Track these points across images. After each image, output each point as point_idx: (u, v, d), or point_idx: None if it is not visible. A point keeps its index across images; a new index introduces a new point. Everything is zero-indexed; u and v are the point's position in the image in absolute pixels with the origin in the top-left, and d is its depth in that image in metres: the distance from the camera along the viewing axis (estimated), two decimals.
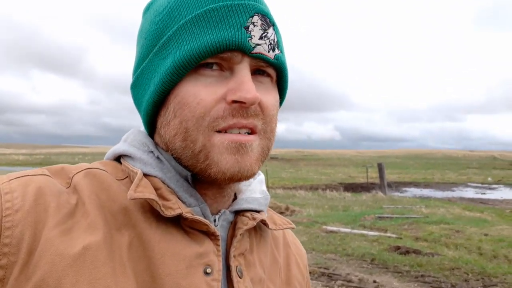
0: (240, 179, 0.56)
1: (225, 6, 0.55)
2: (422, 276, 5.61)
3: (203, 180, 0.59)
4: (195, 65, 0.54)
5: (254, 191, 0.68)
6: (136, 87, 0.63)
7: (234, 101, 0.54)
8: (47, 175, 0.56)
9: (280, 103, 0.65)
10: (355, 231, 8.52)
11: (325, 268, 5.89)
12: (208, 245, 0.57)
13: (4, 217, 0.49)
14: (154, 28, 0.59)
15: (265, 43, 0.56)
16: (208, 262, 0.56)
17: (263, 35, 0.56)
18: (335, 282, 5.30)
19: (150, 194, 0.54)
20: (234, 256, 0.60)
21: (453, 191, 25.10)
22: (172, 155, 0.59)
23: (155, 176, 0.59)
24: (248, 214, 0.64)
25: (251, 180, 0.71)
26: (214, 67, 0.56)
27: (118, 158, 0.64)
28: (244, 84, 0.54)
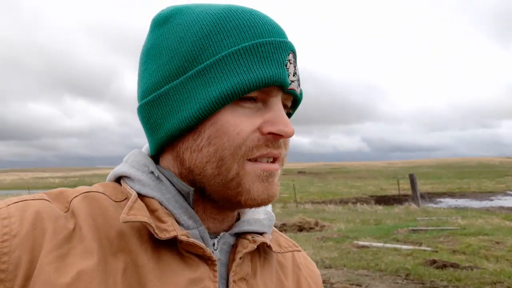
0: (266, 204, 0.60)
1: (270, 43, 0.57)
2: None
3: (213, 202, 0.60)
4: (239, 97, 0.56)
5: (258, 212, 0.67)
6: (155, 107, 0.60)
7: (271, 133, 0.57)
8: (45, 199, 0.56)
9: None
10: (388, 245, 8.25)
11: (357, 285, 5.71)
12: (203, 270, 0.56)
13: (1, 242, 0.49)
14: (186, 49, 0.58)
15: (296, 79, 0.60)
16: None
17: (295, 72, 0.60)
18: None
19: (143, 217, 0.54)
20: (234, 281, 0.58)
21: (491, 200, 24.09)
22: (196, 180, 0.59)
23: (153, 198, 0.59)
24: (249, 236, 0.62)
25: None
26: (253, 99, 0.58)
27: (119, 179, 0.64)
28: (282, 118, 0.57)
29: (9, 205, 0.54)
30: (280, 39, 0.59)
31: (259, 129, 0.57)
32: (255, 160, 0.57)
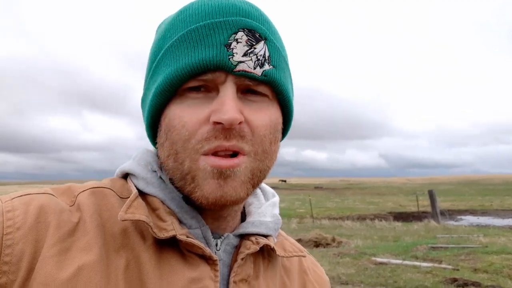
0: (224, 204, 0.55)
1: (206, 26, 0.54)
2: None
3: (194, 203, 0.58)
4: (176, 88, 0.55)
5: (264, 214, 0.66)
6: (141, 108, 0.64)
7: (216, 123, 0.52)
8: (50, 193, 0.56)
9: (288, 121, 0.63)
10: (407, 262, 8.06)
11: None
12: (203, 269, 0.55)
13: (5, 234, 0.49)
14: (151, 51, 0.61)
15: (251, 59, 0.53)
16: (203, 287, 0.54)
17: (249, 51, 0.54)
18: None
19: (141, 216, 0.53)
20: (235, 282, 0.58)
21: None
22: (167, 175, 0.59)
23: (155, 196, 0.58)
24: (252, 238, 0.61)
25: (262, 202, 0.69)
26: (201, 89, 0.55)
27: (127, 176, 0.64)
28: (224, 104, 0.52)
29: (13, 198, 0.54)
30: (219, 20, 0.54)
31: (209, 120, 0.53)
32: (211, 154, 0.53)
